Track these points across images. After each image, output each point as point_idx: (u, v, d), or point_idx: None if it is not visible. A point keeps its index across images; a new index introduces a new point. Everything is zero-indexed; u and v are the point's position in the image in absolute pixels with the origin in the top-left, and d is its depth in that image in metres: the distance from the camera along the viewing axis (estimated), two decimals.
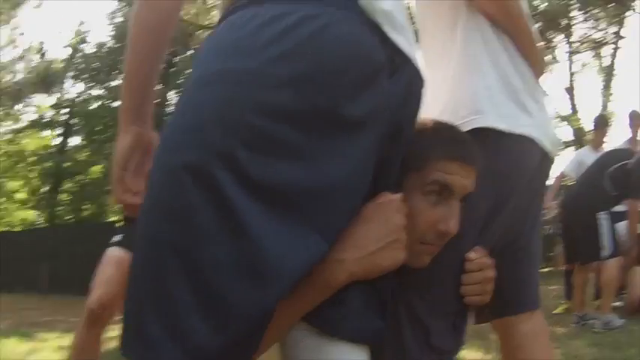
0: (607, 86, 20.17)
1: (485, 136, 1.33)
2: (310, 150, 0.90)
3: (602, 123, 6.35)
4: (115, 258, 2.73)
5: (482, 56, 1.50)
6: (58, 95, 23.40)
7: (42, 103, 23.58)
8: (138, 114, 1.13)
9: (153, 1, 1.08)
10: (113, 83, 21.23)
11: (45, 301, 12.85)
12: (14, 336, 6.25)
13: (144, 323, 0.88)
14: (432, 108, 1.34)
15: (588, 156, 5.51)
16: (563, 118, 18.14)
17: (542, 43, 1.70)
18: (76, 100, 22.48)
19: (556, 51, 17.70)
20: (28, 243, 16.52)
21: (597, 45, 19.95)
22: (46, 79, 22.11)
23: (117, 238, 2.86)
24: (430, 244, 1.16)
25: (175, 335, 0.85)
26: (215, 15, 19.14)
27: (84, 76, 21.60)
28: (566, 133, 17.82)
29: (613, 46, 19.30)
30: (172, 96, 21.22)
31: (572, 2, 15.86)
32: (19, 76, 22.28)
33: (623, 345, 4.01)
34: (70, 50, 23.08)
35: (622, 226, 4.97)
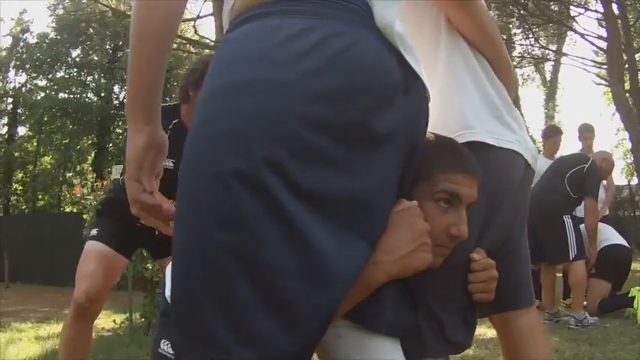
0: (550, 99, 20.89)
1: (476, 149, 1.36)
2: (348, 161, 0.93)
3: (553, 132, 6.64)
4: (95, 252, 2.73)
5: (464, 75, 1.54)
6: (1, 85, 22.88)
7: None
8: (149, 113, 1.14)
9: (153, 1, 1.06)
10: (57, 75, 21.12)
11: (8, 290, 12.90)
12: None
13: (210, 328, 0.89)
14: None
15: (543, 163, 5.33)
16: None
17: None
18: (21, 89, 22.11)
19: None
20: None
21: (538, 61, 20.18)
22: None
23: (94, 232, 2.84)
24: (442, 247, 1.19)
25: (248, 339, 0.87)
26: None
27: (27, 66, 21.25)
28: None
29: (553, 62, 19.85)
30: (117, 90, 21.16)
31: (511, 20, 16.09)
32: None
33: (599, 341, 4.11)
34: (10, 39, 22.42)
35: (583, 227, 5.16)
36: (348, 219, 0.94)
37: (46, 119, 20.76)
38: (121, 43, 19.38)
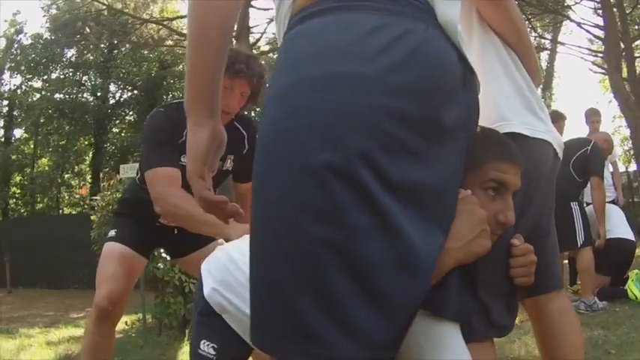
0: (547, 87, 21.08)
1: (511, 140, 1.41)
2: (425, 153, 0.95)
3: (557, 117, 6.39)
4: (115, 253, 2.70)
5: (496, 66, 1.60)
6: None
7: None
8: (211, 108, 1.13)
9: (210, 1, 1.07)
10: (53, 75, 21.03)
11: (11, 296, 12.86)
12: None
13: (310, 323, 0.89)
14: None
15: None
16: None
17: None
18: (16, 91, 22.09)
19: None
20: None
21: (535, 50, 20.66)
22: None
23: (112, 233, 2.80)
24: (491, 233, 1.21)
25: (346, 328, 0.89)
26: (154, 9, 19.03)
27: (22, 68, 21.11)
28: None
29: (549, 51, 19.98)
30: (113, 89, 21.23)
31: None
32: None
33: (611, 325, 4.19)
34: (4, 41, 22.47)
35: (590, 209, 5.26)
36: (426, 209, 0.97)
37: (42, 121, 20.66)
38: (116, 41, 19.30)
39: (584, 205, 5.28)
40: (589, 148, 5.19)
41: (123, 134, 20.48)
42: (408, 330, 0.96)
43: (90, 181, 20.92)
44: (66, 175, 22.46)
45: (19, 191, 23.06)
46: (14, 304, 10.85)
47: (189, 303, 5.22)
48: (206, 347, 1.87)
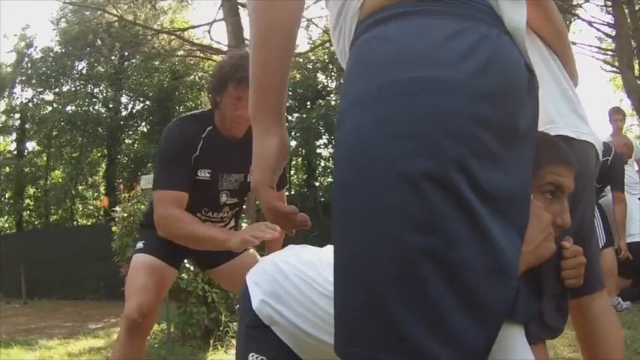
0: None
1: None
2: (504, 159, 0.95)
3: None
4: (143, 265, 2.69)
5: (541, 68, 1.60)
6: (7, 101, 23.00)
7: None
8: (278, 115, 1.12)
9: (278, 2, 1.06)
10: (64, 88, 21.18)
11: (27, 307, 12.92)
12: (16, 345, 6.15)
13: (409, 332, 0.88)
14: None
15: None
16: None
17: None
18: (28, 105, 22.19)
19: None
20: None
21: None
22: None
23: (140, 245, 2.81)
24: None
25: (446, 338, 0.88)
26: (165, 20, 19.13)
27: (33, 82, 21.23)
28: None
29: None
30: (125, 101, 21.23)
31: None
32: None
33: (637, 324, 4.29)
34: (15, 55, 22.48)
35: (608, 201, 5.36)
36: (508, 214, 0.97)
37: (55, 133, 20.74)
38: (126, 53, 19.39)
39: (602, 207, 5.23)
40: (609, 158, 5.14)
41: (136, 145, 20.50)
42: (498, 333, 0.96)
43: (103, 192, 21.01)
44: (80, 187, 22.49)
45: (32, 203, 23.11)
46: (31, 315, 10.86)
47: (211, 313, 5.21)
48: None
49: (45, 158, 22.52)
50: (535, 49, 1.62)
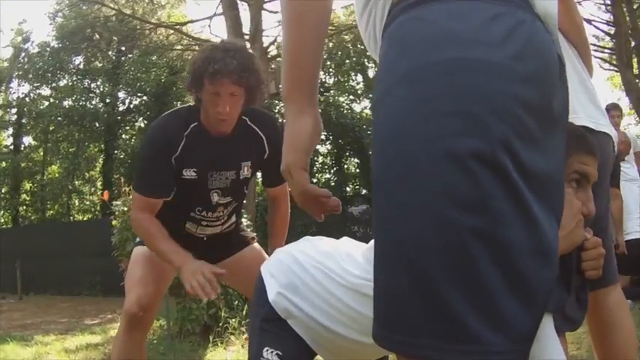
0: None
1: None
2: (542, 141, 0.94)
3: None
4: (143, 257, 2.64)
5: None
6: (4, 96, 22.93)
7: None
8: (311, 95, 1.12)
9: None
10: (61, 83, 21.04)
11: (22, 302, 12.85)
12: (12, 341, 6.12)
13: (460, 316, 0.86)
14: None
15: None
16: None
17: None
18: (24, 99, 22.10)
19: None
20: None
21: None
22: None
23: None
24: None
25: (496, 322, 0.86)
26: (162, 14, 19.12)
27: (29, 76, 21.09)
28: None
29: None
30: (122, 96, 21.14)
31: None
32: None
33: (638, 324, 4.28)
34: (11, 50, 22.38)
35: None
36: (546, 197, 0.95)
37: (51, 128, 20.67)
38: (124, 48, 19.31)
39: None
40: None
41: (133, 141, 20.43)
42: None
43: (100, 187, 20.96)
44: (76, 182, 22.47)
45: (29, 198, 23.06)
46: (26, 310, 10.83)
47: (211, 309, 5.17)
48: (270, 355, 1.81)
49: (42, 153, 22.43)
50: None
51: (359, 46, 17.57)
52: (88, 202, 23.29)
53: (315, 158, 19.21)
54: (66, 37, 19.12)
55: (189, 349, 4.91)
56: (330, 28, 17.07)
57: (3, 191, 22.62)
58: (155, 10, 18.19)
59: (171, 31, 16.07)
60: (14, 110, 22.82)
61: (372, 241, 1.86)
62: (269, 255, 2.63)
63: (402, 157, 0.93)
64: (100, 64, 21.00)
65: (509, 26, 0.95)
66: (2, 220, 23.35)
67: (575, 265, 1.38)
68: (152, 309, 2.57)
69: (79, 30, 17.95)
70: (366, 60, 18.77)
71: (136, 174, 2.69)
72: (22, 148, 22.91)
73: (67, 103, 20.31)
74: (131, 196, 3.96)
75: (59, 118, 20.00)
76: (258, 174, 2.93)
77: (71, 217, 22.39)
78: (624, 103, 14.99)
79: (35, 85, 21.65)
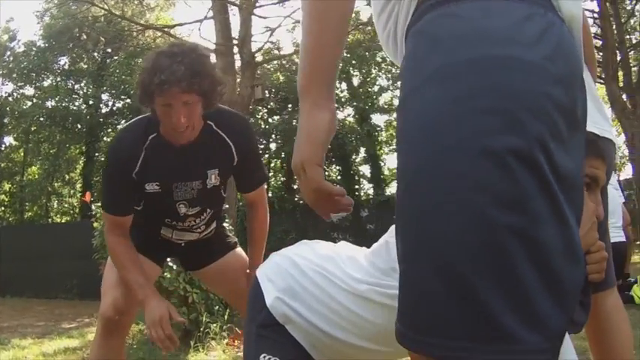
0: None
1: None
2: (568, 143, 0.95)
3: None
4: None
5: None
6: None
7: None
8: (330, 89, 1.10)
9: None
10: (45, 83, 20.82)
11: None
12: None
13: (497, 315, 0.85)
14: None
15: None
16: None
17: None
18: (7, 99, 21.66)
19: None
20: None
21: None
22: None
23: None
24: None
25: (532, 321, 0.85)
26: (151, 17, 18.99)
27: (14, 76, 20.83)
28: None
29: None
30: (106, 98, 20.97)
31: None
32: None
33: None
34: None
35: None
36: (572, 198, 0.94)
37: (33, 128, 20.49)
38: (110, 50, 19.19)
39: None
40: None
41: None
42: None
43: (80, 189, 20.78)
44: (56, 184, 22.25)
45: (7, 199, 22.79)
46: (3, 313, 10.55)
47: (192, 314, 5.08)
48: None
49: (22, 154, 22.22)
50: None
51: (345, 54, 17.60)
52: (67, 205, 23.09)
53: None
54: (53, 37, 19.03)
55: (170, 354, 4.79)
56: None
57: None
58: (144, 12, 18.09)
59: (159, 34, 15.95)
60: None
61: (376, 245, 1.87)
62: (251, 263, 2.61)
63: (438, 155, 0.91)
64: (85, 66, 20.87)
65: (541, 27, 0.95)
66: None
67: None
68: (129, 312, 2.46)
69: (67, 30, 17.85)
70: (351, 68, 18.81)
71: (102, 190, 2.59)
72: (3, 148, 22.63)
73: (50, 103, 20.15)
74: None
75: (41, 119, 19.85)
76: None
77: (50, 219, 22.15)
78: (607, 114, 15.21)
79: (19, 84, 21.43)
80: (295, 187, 18.67)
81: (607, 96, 13.85)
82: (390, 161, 20.92)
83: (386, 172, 19.58)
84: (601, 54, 13.23)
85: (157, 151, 2.35)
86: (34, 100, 20.78)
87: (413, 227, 0.94)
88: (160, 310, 2.26)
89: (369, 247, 1.90)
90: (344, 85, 20.12)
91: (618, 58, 14.05)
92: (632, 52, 16.61)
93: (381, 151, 19.43)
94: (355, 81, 19.56)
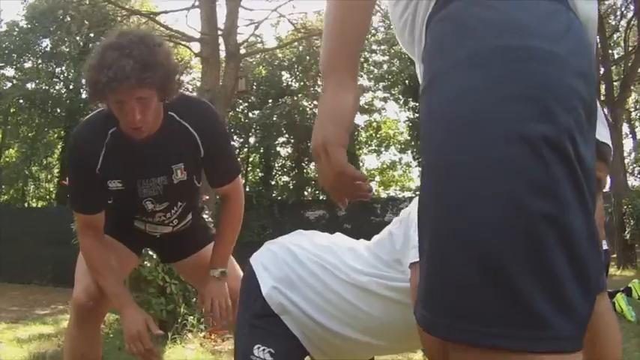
0: None
1: None
2: (588, 138, 0.97)
3: None
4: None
5: None
6: None
7: None
8: (354, 68, 1.10)
9: None
10: (26, 65, 20.55)
11: None
12: None
13: (527, 299, 0.85)
14: None
15: None
16: None
17: None
18: None
19: None
20: None
21: None
22: None
23: None
24: None
25: (563, 308, 0.86)
26: (135, 3, 18.87)
27: None
28: None
29: None
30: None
31: None
32: None
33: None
34: None
35: None
36: (590, 189, 0.95)
37: (12, 110, 20.20)
38: (92, 34, 18.97)
39: None
40: None
41: None
42: None
43: (57, 174, 20.56)
44: (33, 168, 21.97)
45: None
46: None
47: (169, 305, 5.06)
48: (261, 353, 1.72)
49: (0, 135, 21.86)
50: None
51: None
52: (43, 190, 22.80)
53: (276, 160, 19.17)
54: (36, 18, 18.79)
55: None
56: (301, 31, 17.25)
57: None
58: None
59: (144, 20, 15.80)
60: None
61: (378, 236, 1.87)
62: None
63: (471, 140, 0.91)
64: (67, 49, 20.61)
65: (565, 24, 0.96)
66: None
67: None
68: (103, 300, 2.32)
69: (50, 11, 17.65)
70: None
71: (68, 187, 2.47)
72: None
73: (30, 85, 19.85)
74: None
75: (21, 101, 19.57)
76: None
77: (25, 204, 21.91)
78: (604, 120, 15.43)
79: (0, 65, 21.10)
80: (273, 183, 18.65)
81: None
82: (368, 161, 21.00)
83: (364, 172, 19.61)
84: None
85: (117, 147, 2.24)
86: (14, 82, 20.45)
87: (443, 216, 0.94)
88: (137, 324, 2.20)
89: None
90: None
91: (602, 71, 14.19)
92: (614, 66, 16.79)
93: (360, 152, 19.48)
94: None
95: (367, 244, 1.86)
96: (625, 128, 21.46)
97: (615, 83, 15.30)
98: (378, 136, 23.43)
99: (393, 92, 20.80)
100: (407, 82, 18.31)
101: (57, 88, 20.62)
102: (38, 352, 4.70)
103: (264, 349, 1.72)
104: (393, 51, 18.70)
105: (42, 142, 20.83)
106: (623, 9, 16.64)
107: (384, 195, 18.65)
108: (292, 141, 18.77)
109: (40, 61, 20.79)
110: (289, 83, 19.50)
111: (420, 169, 1.04)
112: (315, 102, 18.75)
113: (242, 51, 13.58)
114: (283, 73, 19.65)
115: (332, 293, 1.75)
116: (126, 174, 2.29)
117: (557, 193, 0.88)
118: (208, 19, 11.60)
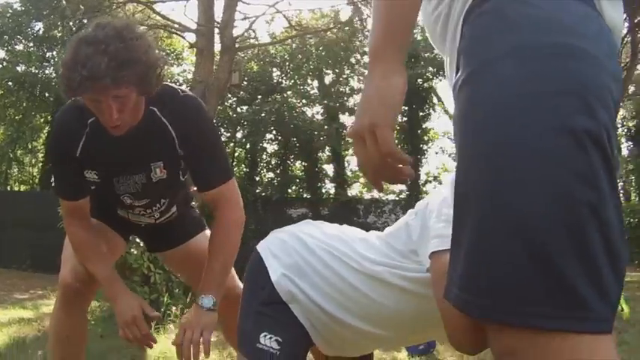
0: None
1: None
2: (614, 134, 0.99)
3: None
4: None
5: None
6: None
7: None
8: (404, 53, 1.11)
9: None
10: (18, 47, 20.34)
11: None
12: None
13: (572, 284, 0.90)
14: None
15: None
16: None
17: None
18: None
19: None
20: None
21: None
22: None
23: None
24: None
25: (603, 293, 0.91)
26: None
27: None
28: None
29: None
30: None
31: None
32: None
33: None
34: None
35: None
36: (617, 184, 1.01)
37: (1, 92, 20.01)
38: (85, 20, 18.84)
39: None
40: None
41: None
42: None
43: (42, 159, 20.39)
44: (18, 151, 21.73)
45: None
46: None
47: (153, 294, 5.03)
48: (268, 341, 1.70)
49: None
50: None
51: (321, 51, 17.53)
52: (27, 174, 22.58)
53: (262, 156, 19.14)
54: (30, 1, 18.59)
55: None
56: (296, 28, 17.20)
57: None
58: None
59: (140, 8, 15.69)
60: None
61: (393, 227, 1.85)
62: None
63: (519, 129, 0.95)
64: (60, 34, 20.43)
65: (599, 27, 1.03)
66: None
67: None
68: (90, 283, 2.27)
69: None
70: (324, 67, 18.72)
71: (52, 174, 2.45)
72: None
73: (20, 68, 19.65)
74: None
75: (10, 83, 19.35)
76: None
77: (8, 187, 21.61)
78: None
79: None
80: (258, 179, 18.58)
81: None
82: (354, 162, 20.89)
83: (348, 173, 19.54)
84: None
85: (95, 138, 2.16)
86: (4, 64, 20.23)
87: (492, 199, 0.96)
88: (132, 309, 2.16)
89: None
90: (315, 83, 20.04)
91: None
92: None
93: (346, 152, 19.44)
94: (327, 80, 19.47)
95: (379, 235, 1.85)
96: None
97: None
98: None
99: None
100: None
101: (47, 72, 20.40)
102: (18, 336, 4.70)
103: (270, 337, 1.70)
104: None
105: (28, 126, 20.63)
106: None
107: (367, 196, 18.58)
108: (279, 138, 18.71)
109: (31, 44, 20.60)
110: (280, 80, 19.43)
111: (457, 157, 1.07)
112: (304, 100, 18.75)
113: (236, 45, 13.54)
114: (274, 69, 19.59)
115: (343, 282, 1.73)
116: (103, 167, 2.24)
117: (598, 184, 0.93)
118: (205, 11, 11.55)
